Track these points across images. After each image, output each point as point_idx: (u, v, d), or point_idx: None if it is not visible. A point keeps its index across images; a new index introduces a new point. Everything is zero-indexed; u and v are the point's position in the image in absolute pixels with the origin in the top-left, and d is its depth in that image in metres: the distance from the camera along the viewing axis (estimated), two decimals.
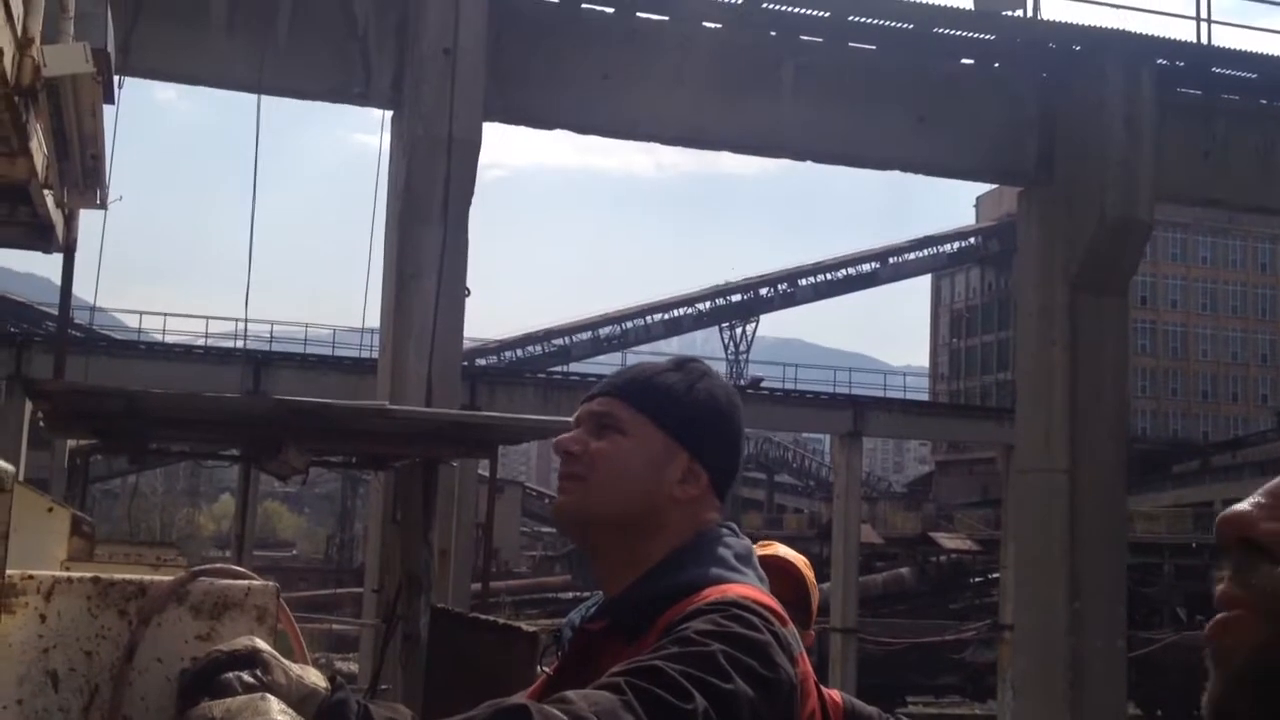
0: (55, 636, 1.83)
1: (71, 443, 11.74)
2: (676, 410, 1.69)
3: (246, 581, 1.91)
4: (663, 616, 1.54)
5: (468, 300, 10.12)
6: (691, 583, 1.58)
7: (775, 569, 2.07)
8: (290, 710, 1.11)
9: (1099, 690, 10.25)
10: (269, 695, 1.10)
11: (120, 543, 7.70)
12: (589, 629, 1.62)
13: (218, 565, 1.99)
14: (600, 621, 1.62)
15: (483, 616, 6.19)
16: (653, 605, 1.57)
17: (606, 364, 46.81)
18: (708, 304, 52.61)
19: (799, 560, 2.39)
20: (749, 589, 1.58)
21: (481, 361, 42.61)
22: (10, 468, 1.74)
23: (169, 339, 34.70)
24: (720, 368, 56.74)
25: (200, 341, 34.50)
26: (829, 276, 53.94)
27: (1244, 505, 0.69)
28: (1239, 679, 0.66)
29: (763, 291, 54.01)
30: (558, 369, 41.77)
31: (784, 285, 53.79)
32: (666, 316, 51.01)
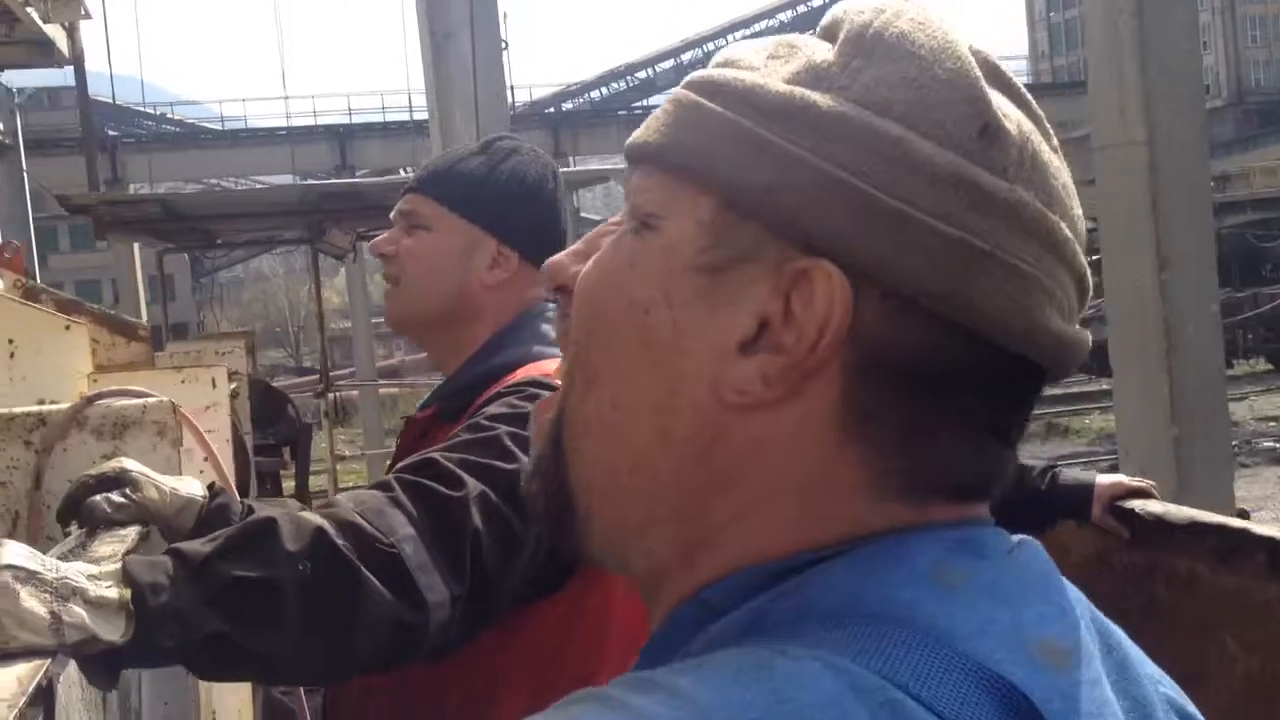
0: None
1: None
2: (477, 197, 1.69)
3: (142, 400, 2.00)
4: (480, 399, 1.57)
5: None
6: (507, 363, 1.61)
7: None
8: (35, 551, 1.17)
9: (1194, 356, 10.28)
10: (6, 541, 1.16)
11: (202, 338, 7.99)
12: (417, 417, 1.67)
13: (114, 388, 2.07)
14: (429, 409, 1.67)
15: None
16: (472, 389, 1.61)
17: None
18: (789, 13, 50.84)
19: None
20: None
21: (568, 106, 42.17)
22: None
23: (253, 124, 34.99)
24: None
25: (282, 124, 34.60)
26: None
27: (560, 255, 0.69)
28: (537, 460, 0.67)
29: None
30: (641, 103, 41.12)
31: None
32: (749, 32, 49.47)
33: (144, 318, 14.57)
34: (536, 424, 0.68)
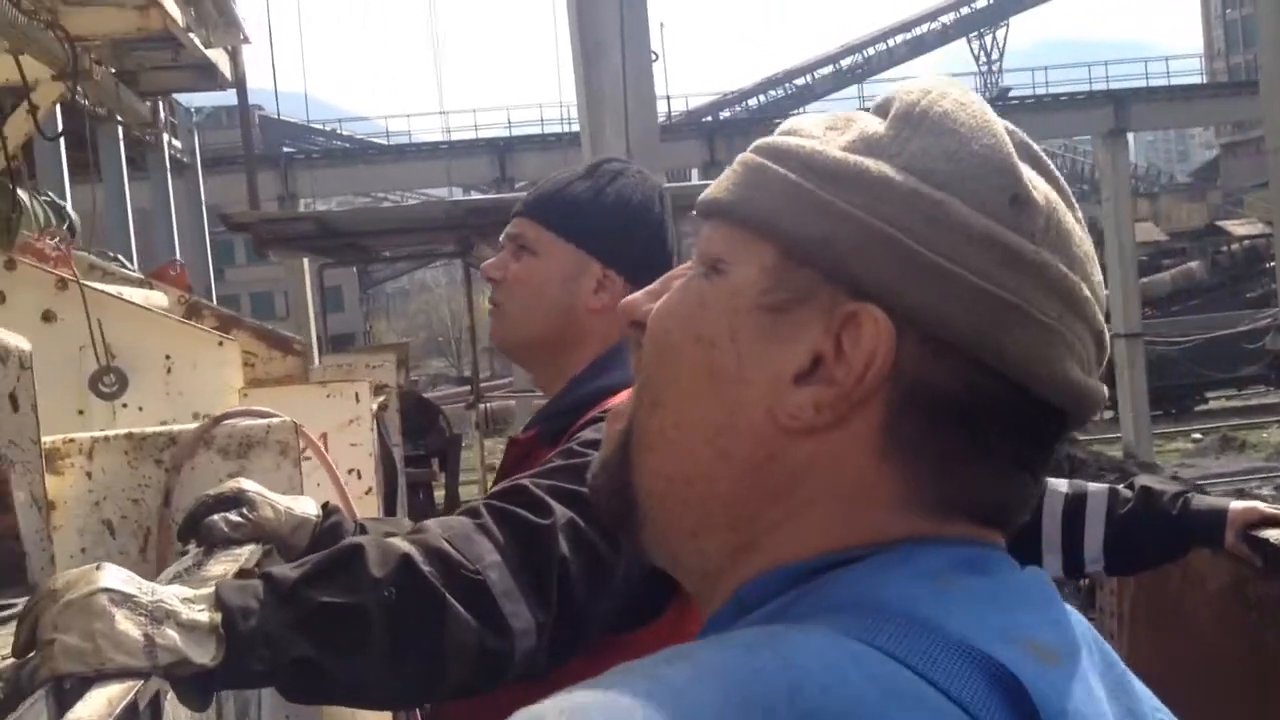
0: (103, 490, 2.03)
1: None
2: (582, 221, 1.69)
3: (266, 421, 2.05)
4: (578, 423, 1.58)
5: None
6: (606, 387, 1.60)
7: None
8: (133, 574, 1.21)
9: None
10: (105, 564, 1.20)
11: (359, 351, 8.21)
12: (519, 439, 1.68)
13: (241, 409, 2.13)
14: (530, 431, 1.68)
15: None
16: (572, 412, 1.61)
17: (849, 99, 45.45)
18: (952, 15, 49.91)
19: None
20: None
21: (725, 114, 42.19)
22: (25, 347, 1.87)
23: (416, 139, 35.87)
24: (971, 82, 54.02)
25: (443, 138, 35.34)
26: None
27: (637, 294, 0.77)
28: (604, 462, 0.75)
29: None
30: (798, 110, 40.85)
31: None
32: (909, 36, 48.62)
33: (312, 329, 15.07)
34: (607, 431, 0.76)
